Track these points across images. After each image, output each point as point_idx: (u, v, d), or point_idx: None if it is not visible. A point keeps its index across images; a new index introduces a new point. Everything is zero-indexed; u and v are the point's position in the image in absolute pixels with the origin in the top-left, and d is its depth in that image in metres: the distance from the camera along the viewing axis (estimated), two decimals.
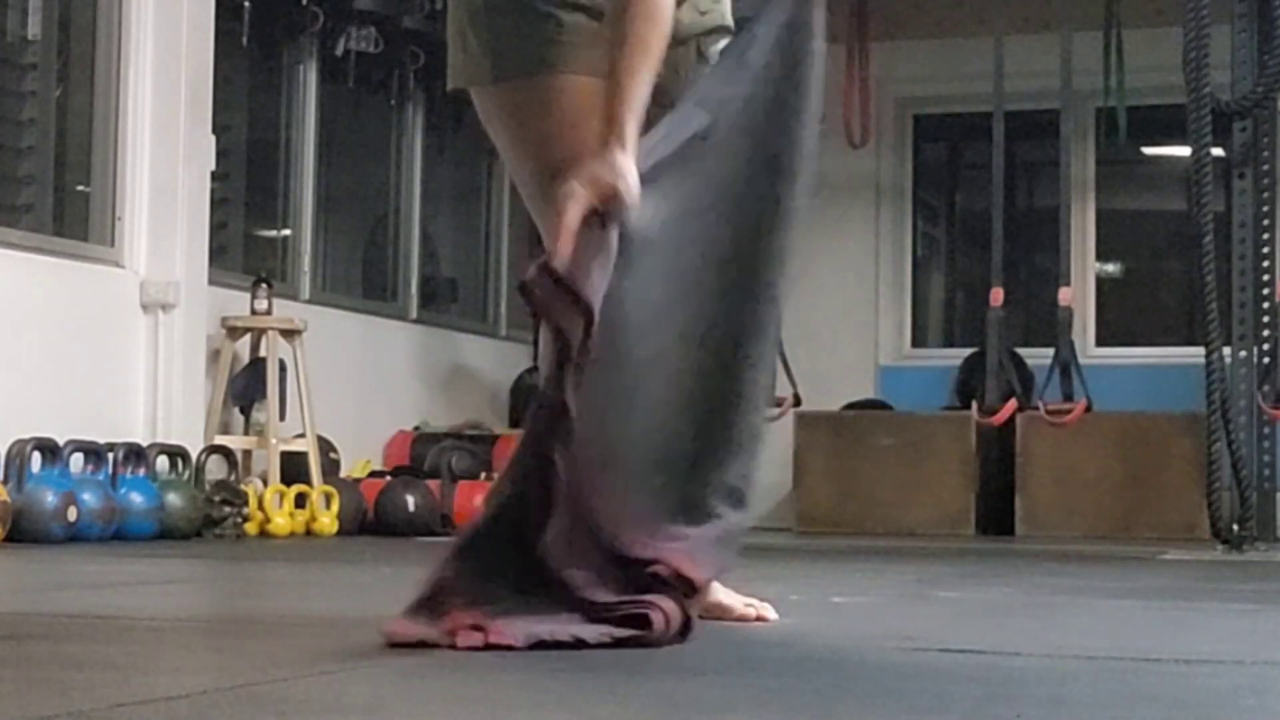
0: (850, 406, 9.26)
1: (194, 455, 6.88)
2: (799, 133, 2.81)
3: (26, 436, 6.21)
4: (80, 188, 7.22)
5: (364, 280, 9.26)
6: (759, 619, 2.93)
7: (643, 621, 2.45)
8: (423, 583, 2.50)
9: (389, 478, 7.93)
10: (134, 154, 7.13)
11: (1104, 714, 1.88)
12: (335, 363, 8.14)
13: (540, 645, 2.37)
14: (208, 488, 6.87)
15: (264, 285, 7.51)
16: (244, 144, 8.31)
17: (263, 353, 7.47)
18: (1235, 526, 6.64)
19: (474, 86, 2.93)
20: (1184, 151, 7.52)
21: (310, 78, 8.37)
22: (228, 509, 6.85)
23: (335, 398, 7.99)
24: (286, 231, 8.45)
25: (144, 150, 7.14)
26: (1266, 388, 6.84)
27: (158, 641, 2.61)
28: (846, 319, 9.66)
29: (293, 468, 7.38)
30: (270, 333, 7.46)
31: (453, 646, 2.36)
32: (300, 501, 7.26)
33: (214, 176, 7.42)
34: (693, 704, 1.95)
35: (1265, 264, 7.05)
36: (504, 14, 2.86)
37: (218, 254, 7.58)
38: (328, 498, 7.36)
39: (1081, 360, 7.41)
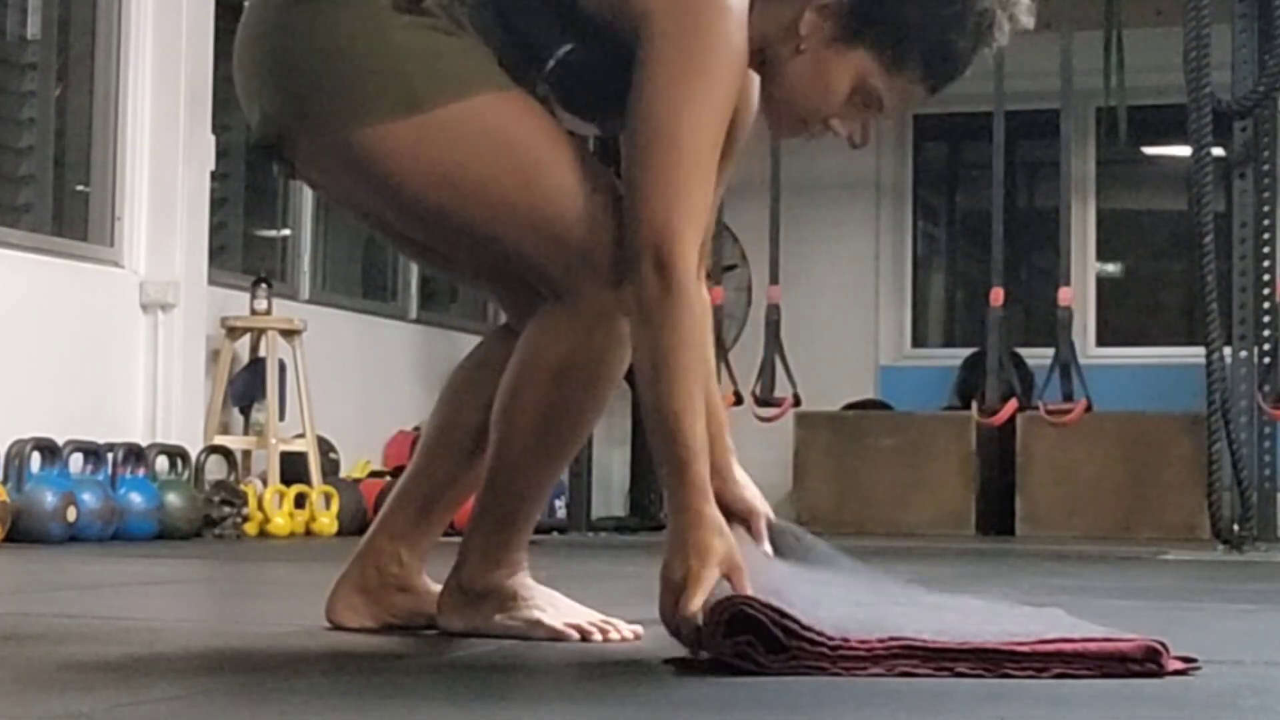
0: (850, 406, 9.25)
1: (194, 455, 6.89)
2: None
3: (26, 436, 6.22)
4: (80, 188, 7.22)
5: (364, 280, 9.26)
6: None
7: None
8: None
9: (389, 478, 7.92)
10: (134, 154, 7.14)
11: (1104, 714, 1.88)
12: (335, 363, 8.14)
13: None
14: (207, 488, 6.88)
15: (264, 285, 7.51)
16: (244, 144, 8.31)
17: (262, 353, 7.47)
18: (1235, 526, 6.63)
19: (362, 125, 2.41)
20: (1184, 151, 7.51)
21: None
22: (227, 509, 6.85)
23: (335, 398, 7.99)
24: (286, 231, 8.45)
25: (144, 150, 7.14)
26: (1266, 388, 6.84)
27: (157, 642, 2.61)
28: (846, 319, 9.66)
29: (292, 468, 7.38)
30: (270, 333, 7.46)
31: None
32: (300, 501, 7.26)
33: (214, 176, 7.42)
34: (693, 704, 1.95)
35: (1265, 264, 7.04)
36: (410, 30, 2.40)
37: (217, 254, 7.58)
38: (327, 498, 7.36)
39: (1081, 360, 7.39)
